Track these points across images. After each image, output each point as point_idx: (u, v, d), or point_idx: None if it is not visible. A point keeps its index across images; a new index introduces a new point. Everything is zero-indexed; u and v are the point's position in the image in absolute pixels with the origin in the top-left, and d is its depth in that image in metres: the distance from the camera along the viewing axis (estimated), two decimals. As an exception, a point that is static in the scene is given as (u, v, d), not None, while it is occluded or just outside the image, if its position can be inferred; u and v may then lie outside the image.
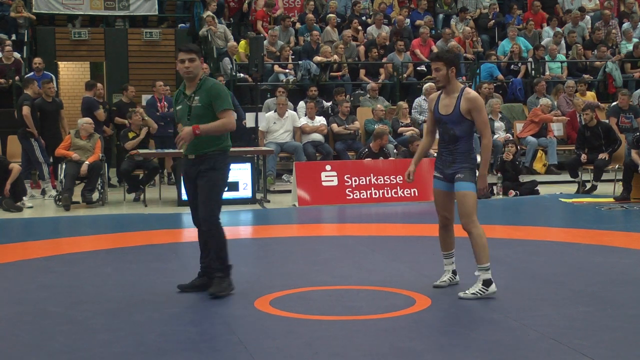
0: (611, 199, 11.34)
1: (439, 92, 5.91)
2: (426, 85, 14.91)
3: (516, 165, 12.67)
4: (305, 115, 13.69)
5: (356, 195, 11.64)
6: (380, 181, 11.75)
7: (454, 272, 6.09)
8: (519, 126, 14.84)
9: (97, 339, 4.83)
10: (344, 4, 18.36)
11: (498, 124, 14.12)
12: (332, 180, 11.69)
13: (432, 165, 11.57)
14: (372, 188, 11.72)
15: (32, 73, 14.57)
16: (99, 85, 13.66)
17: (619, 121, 14.22)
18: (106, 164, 12.05)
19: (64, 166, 11.37)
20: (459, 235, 5.99)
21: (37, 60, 14.58)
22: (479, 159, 5.92)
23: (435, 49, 16.14)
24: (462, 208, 5.70)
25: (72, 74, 19.64)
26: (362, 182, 11.72)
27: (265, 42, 15.31)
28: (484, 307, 5.46)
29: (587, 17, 18.79)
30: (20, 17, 16.50)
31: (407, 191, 11.72)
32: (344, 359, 4.42)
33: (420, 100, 14.79)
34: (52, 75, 14.77)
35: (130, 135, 12.33)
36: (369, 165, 11.96)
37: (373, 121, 13.79)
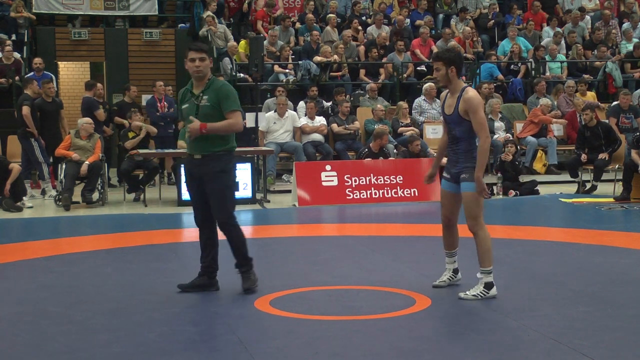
0: (611, 199, 11.34)
1: (447, 91, 5.90)
2: (426, 86, 14.92)
3: (516, 165, 12.67)
4: (305, 115, 13.69)
5: (356, 195, 11.64)
6: (380, 181, 11.75)
7: (455, 271, 6.07)
8: (519, 126, 14.84)
9: (97, 339, 4.83)
10: (344, 4, 18.36)
11: (498, 124, 14.12)
12: (332, 180, 11.69)
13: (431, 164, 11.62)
14: (372, 188, 11.72)
15: (32, 73, 14.57)
16: (98, 85, 13.66)
17: (619, 121, 14.21)
18: (106, 164, 12.05)
19: (64, 166, 11.37)
20: (464, 235, 5.96)
21: (37, 60, 14.58)
22: None
23: (435, 49, 16.16)
24: (467, 209, 5.67)
25: (72, 74, 19.64)
26: (362, 182, 11.72)
27: (265, 42, 15.31)
28: (483, 307, 5.46)
29: (587, 17, 18.78)
30: (20, 17, 16.49)
31: (407, 191, 11.71)
32: (344, 359, 4.42)
33: (420, 101, 14.80)
34: (52, 75, 14.77)
35: (130, 135, 12.34)
36: (369, 165, 11.96)
37: (373, 121, 13.79)
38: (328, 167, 11.86)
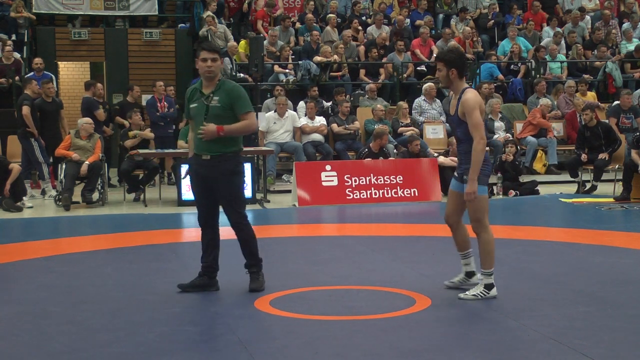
0: (611, 199, 11.34)
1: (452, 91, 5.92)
2: (426, 86, 14.92)
3: (516, 165, 12.67)
4: (305, 115, 13.69)
5: (356, 195, 11.64)
6: (380, 181, 11.74)
7: (468, 274, 5.94)
8: (519, 126, 14.84)
9: (97, 339, 4.83)
10: (344, 4, 18.35)
11: (498, 124, 14.13)
12: (332, 180, 11.69)
13: (432, 164, 11.63)
14: (372, 188, 11.71)
15: (32, 73, 14.57)
16: (98, 84, 13.66)
17: (619, 121, 14.22)
18: (106, 164, 12.05)
19: (64, 166, 11.37)
20: (471, 235, 5.93)
21: (37, 60, 14.58)
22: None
23: (435, 49, 16.17)
24: (470, 211, 5.66)
25: (72, 74, 19.64)
26: (362, 182, 11.72)
27: (265, 42, 15.30)
28: (483, 307, 5.46)
29: (587, 17, 18.78)
30: (20, 17, 16.49)
31: (407, 191, 11.71)
32: (344, 359, 4.42)
33: (420, 101, 14.79)
34: (52, 75, 14.77)
35: (131, 134, 12.34)
36: (369, 165, 11.96)
37: (373, 121, 13.79)
38: (328, 167, 11.86)
